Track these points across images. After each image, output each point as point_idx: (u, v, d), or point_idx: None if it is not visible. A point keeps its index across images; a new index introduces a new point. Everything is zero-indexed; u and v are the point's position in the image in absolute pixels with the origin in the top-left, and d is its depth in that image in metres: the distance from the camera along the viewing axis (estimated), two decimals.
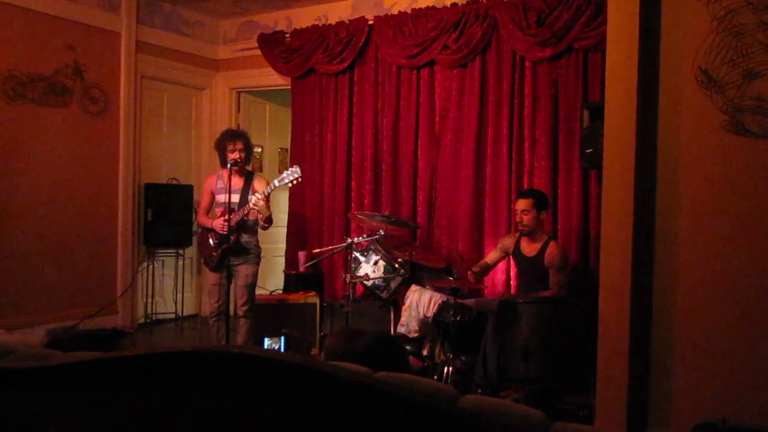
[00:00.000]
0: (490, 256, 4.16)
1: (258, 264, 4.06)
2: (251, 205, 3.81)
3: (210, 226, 3.98)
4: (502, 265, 4.37)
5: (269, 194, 3.83)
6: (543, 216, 3.84)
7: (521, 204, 3.81)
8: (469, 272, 4.03)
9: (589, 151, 3.70)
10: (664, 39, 2.80)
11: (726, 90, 2.70)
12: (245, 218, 3.92)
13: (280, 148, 6.45)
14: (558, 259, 3.74)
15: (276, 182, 3.82)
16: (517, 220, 3.83)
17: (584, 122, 3.92)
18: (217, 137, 4.08)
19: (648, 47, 2.82)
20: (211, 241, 3.98)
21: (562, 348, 3.31)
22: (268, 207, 3.84)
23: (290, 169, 3.85)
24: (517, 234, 3.95)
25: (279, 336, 2.96)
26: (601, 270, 2.93)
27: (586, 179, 4.22)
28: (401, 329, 3.94)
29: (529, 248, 3.87)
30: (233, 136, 4.00)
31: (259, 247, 4.08)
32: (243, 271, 3.98)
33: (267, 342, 2.80)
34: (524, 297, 3.62)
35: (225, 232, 3.84)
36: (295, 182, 3.83)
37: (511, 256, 4.09)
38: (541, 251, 3.79)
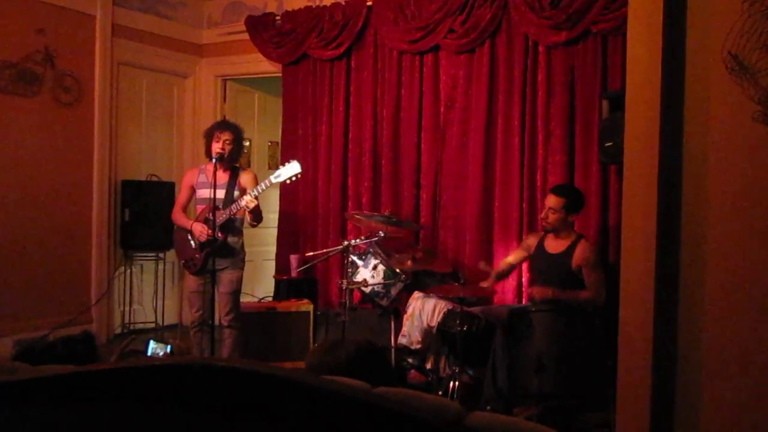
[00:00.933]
0: (514, 255, 4.16)
1: (242, 269, 4.06)
2: (243, 205, 3.79)
3: (188, 228, 3.96)
4: (515, 269, 4.37)
5: (260, 193, 3.82)
6: (571, 219, 3.83)
7: (551, 201, 3.79)
8: (490, 278, 4.03)
9: (609, 144, 3.70)
10: (691, 21, 2.79)
11: (759, 78, 2.69)
12: (231, 218, 3.91)
13: (270, 142, 6.46)
14: (592, 257, 3.70)
15: (272, 179, 3.79)
16: (542, 216, 3.82)
17: (603, 113, 3.93)
18: (207, 128, 4.08)
19: (673, 31, 2.81)
20: (192, 242, 3.96)
21: (579, 360, 3.31)
22: (259, 205, 3.83)
23: (288, 164, 3.82)
24: (542, 233, 3.93)
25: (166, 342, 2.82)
26: (622, 275, 2.93)
27: (605, 175, 4.23)
28: (402, 340, 3.94)
29: (554, 244, 3.84)
30: (222, 125, 4.00)
31: (244, 250, 4.08)
32: (227, 276, 3.97)
33: (152, 345, 2.66)
34: (537, 304, 3.62)
35: (203, 239, 3.82)
36: (294, 179, 3.82)
37: (528, 258, 4.07)
38: (569, 250, 3.76)
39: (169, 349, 2.54)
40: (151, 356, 2.51)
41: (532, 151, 4.48)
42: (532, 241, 4.01)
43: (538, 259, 3.95)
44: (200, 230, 3.87)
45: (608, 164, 4.06)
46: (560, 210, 3.75)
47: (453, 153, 4.77)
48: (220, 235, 3.84)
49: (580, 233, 3.94)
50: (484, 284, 4.07)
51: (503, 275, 4.17)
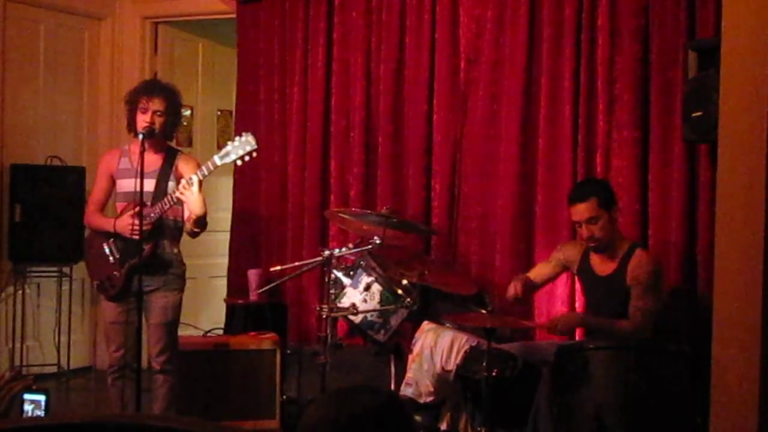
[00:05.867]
0: (538, 269, 4.18)
1: (181, 290, 4.06)
2: (174, 196, 3.80)
3: (110, 230, 3.96)
4: (562, 289, 4.36)
5: (202, 179, 3.81)
6: (615, 214, 3.86)
7: (582, 211, 3.78)
8: (509, 299, 4.05)
9: (698, 114, 3.71)
10: None
11: None
12: (164, 218, 3.91)
13: (220, 110, 6.45)
14: (646, 275, 3.74)
15: (217, 159, 3.79)
16: (585, 236, 3.80)
17: (690, 71, 3.93)
18: (130, 90, 4.07)
19: None
20: (108, 253, 3.96)
21: (654, 418, 3.30)
22: (200, 200, 3.84)
23: (238, 138, 3.81)
24: (585, 243, 3.95)
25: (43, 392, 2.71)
26: (716, 298, 2.92)
27: (692, 158, 4.24)
28: (407, 390, 3.94)
29: (603, 264, 3.88)
30: (151, 88, 3.99)
31: (184, 263, 4.08)
32: (159, 301, 3.96)
33: (27, 398, 2.58)
34: (596, 341, 3.62)
35: (136, 236, 3.82)
36: (247, 159, 3.82)
37: (576, 276, 4.09)
38: (622, 266, 3.79)
39: (44, 403, 2.47)
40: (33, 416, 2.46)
41: (589, 124, 4.49)
42: (570, 253, 4.03)
43: (586, 282, 3.98)
44: (128, 226, 3.85)
45: (696, 142, 4.07)
46: (600, 211, 3.76)
47: (478, 127, 4.77)
48: (145, 247, 3.83)
49: (633, 241, 3.97)
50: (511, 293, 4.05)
51: (527, 293, 4.16)
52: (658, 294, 3.78)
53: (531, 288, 4.16)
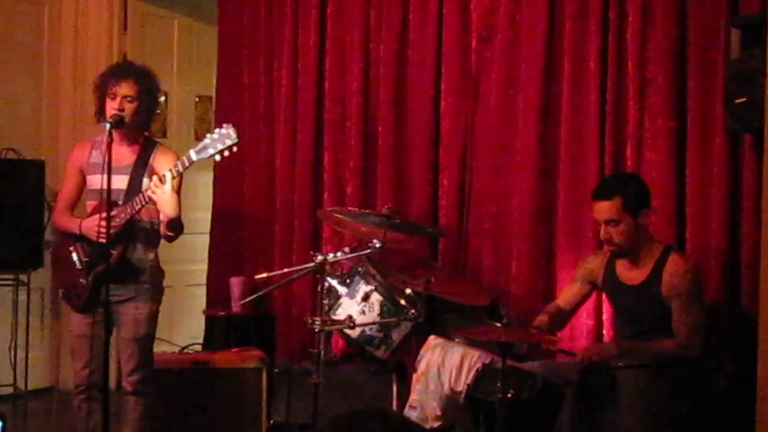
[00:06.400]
0: (567, 293, 4.17)
1: (158, 301, 4.08)
2: (147, 194, 3.81)
3: (76, 231, 3.98)
4: (590, 302, 4.36)
5: (180, 175, 3.82)
6: (644, 219, 3.85)
7: (602, 210, 3.79)
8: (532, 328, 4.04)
9: (741, 100, 3.70)
10: None
11: None
12: (137, 219, 3.93)
13: (198, 97, 6.47)
14: (686, 283, 3.73)
15: (193, 154, 3.80)
16: (603, 238, 3.82)
17: (732, 51, 3.92)
18: (99, 75, 4.08)
19: None
20: (76, 259, 3.97)
21: None
22: (177, 200, 3.85)
23: (218, 130, 3.82)
24: (608, 251, 3.95)
25: None
26: (762, 311, 2.93)
27: (734, 150, 4.21)
28: (412, 414, 3.94)
29: (632, 271, 3.87)
30: (121, 71, 4.01)
31: (161, 271, 4.10)
32: (131, 313, 3.98)
33: None
34: (626, 358, 3.61)
35: (102, 239, 3.84)
36: (226, 154, 3.83)
37: (602, 289, 4.10)
38: (655, 274, 3.79)
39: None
40: None
41: (618, 111, 4.47)
42: (593, 265, 4.04)
43: (613, 293, 3.98)
44: (94, 228, 3.85)
45: (741, 132, 4.07)
46: (623, 215, 3.74)
47: (491, 115, 4.78)
48: (113, 251, 3.84)
49: (667, 243, 3.96)
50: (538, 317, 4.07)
51: (555, 327, 4.16)
52: (702, 303, 3.77)
53: (561, 319, 4.15)
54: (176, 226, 3.91)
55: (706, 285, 4.01)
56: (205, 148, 3.78)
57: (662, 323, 3.75)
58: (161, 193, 3.75)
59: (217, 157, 3.83)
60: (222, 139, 3.78)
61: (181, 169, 3.79)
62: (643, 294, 3.81)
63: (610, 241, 3.78)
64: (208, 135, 3.83)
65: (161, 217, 3.91)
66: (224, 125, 3.83)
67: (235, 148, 3.81)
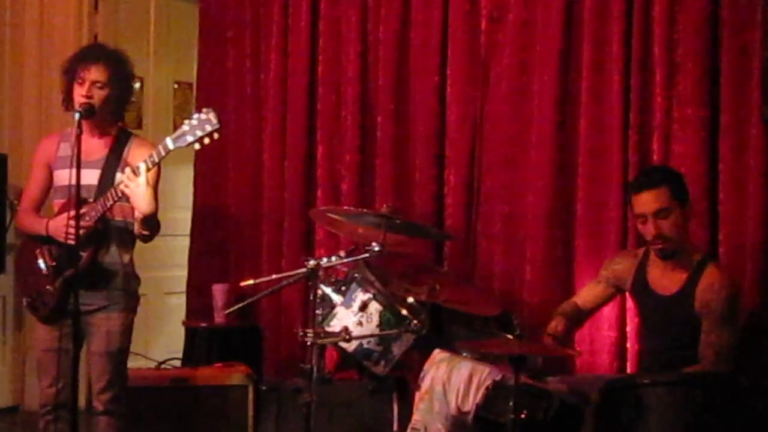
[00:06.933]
0: (585, 292, 4.21)
1: (133, 310, 4.10)
2: (120, 189, 3.81)
3: (43, 233, 4.00)
4: (609, 309, 4.40)
5: (157, 166, 3.84)
6: (690, 214, 3.89)
7: (650, 201, 3.76)
8: (545, 335, 4.07)
9: None
10: None
11: None
12: (109, 218, 3.96)
13: (177, 83, 6.49)
14: (721, 301, 3.74)
15: (169, 142, 3.79)
16: (653, 233, 3.77)
17: None
18: (67, 59, 4.11)
19: None
20: (42, 264, 3.99)
21: None
22: (152, 194, 3.86)
23: (196, 115, 3.79)
24: (640, 253, 4.01)
25: None
26: None
27: None
28: None
29: (665, 279, 3.89)
30: (91, 54, 4.03)
31: (137, 277, 4.13)
32: (103, 324, 3.99)
33: None
34: (653, 375, 3.67)
35: (71, 241, 3.85)
36: (207, 141, 3.81)
37: (629, 295, 4.15)
38: (691, 284, 3.81)
39: None
40: None
41: (643, 100, 4.48)
42: (622, 267, 4.06)
43: (643, 302, 4.01)
44: (62, 228, 3.84)
45: None
46: (674, 205, 3.75)
47: (503, 104, 4.80)
48: (83, 254, 3.88)
49: (706, 252, 3.98)
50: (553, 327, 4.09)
51: (569, 330, 4.20)
52: (735, 325, 3.78)
53: (578, 319, 4.18)
54: (152, 224, 3.91)
55: (743, 302, 3.95)
56: (183, 135, 3.75)
57: (691, 340, 3.76)
58: (135, 187, 3.75)
59: (197, 146, 3.79)
60: (202, 125, 3.74)
61: (156, 159, 3.78)
62: (674, 307, 3.83)
63: (662, 235, 3.73)
64: (186, 121, 3.77)
65: (136, 214, 3.90)
66: (204, 109, 3.78)
67: (216, 135, 3.77)
